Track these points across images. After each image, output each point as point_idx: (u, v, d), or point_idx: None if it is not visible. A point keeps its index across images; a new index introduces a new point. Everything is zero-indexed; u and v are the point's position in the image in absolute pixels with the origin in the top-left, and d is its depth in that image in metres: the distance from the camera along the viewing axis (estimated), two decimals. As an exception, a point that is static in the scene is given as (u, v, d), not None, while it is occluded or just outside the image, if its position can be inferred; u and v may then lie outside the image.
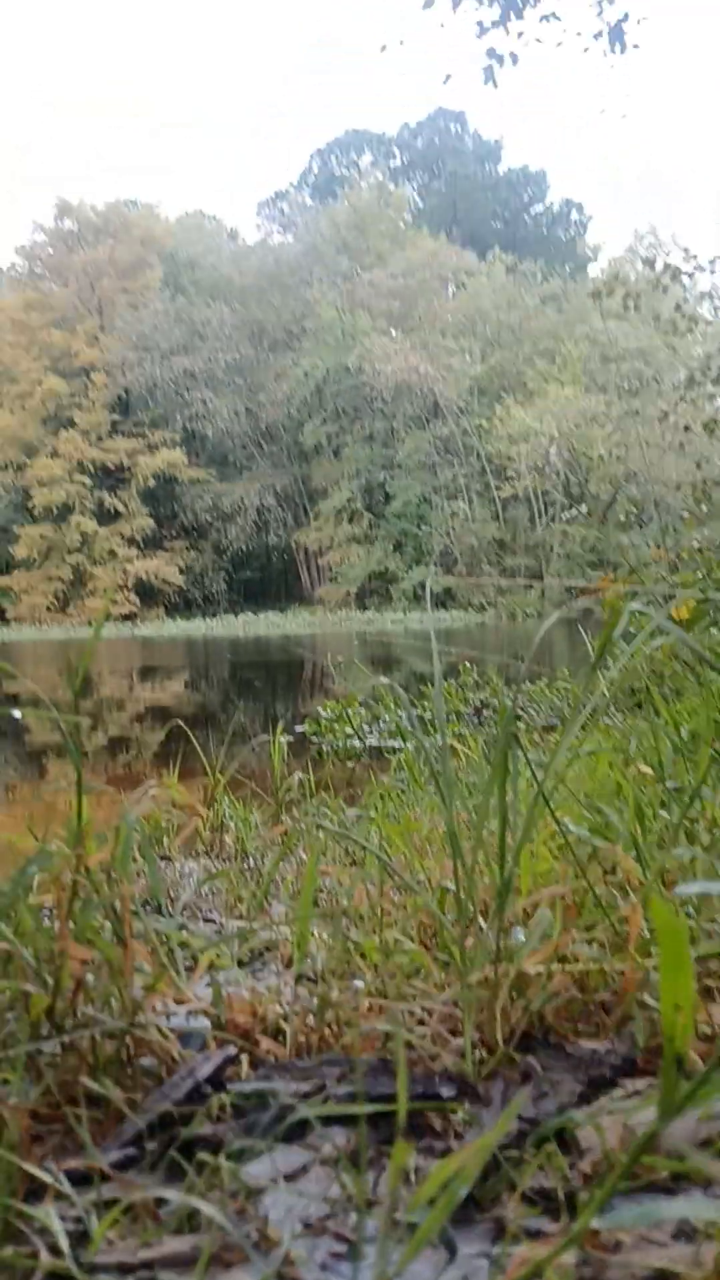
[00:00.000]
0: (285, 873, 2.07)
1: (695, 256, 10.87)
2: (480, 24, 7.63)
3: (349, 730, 6.76)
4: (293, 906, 1.45)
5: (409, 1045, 0.83)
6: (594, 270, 61.99)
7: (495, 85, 7.27)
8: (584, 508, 40.14)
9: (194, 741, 3.46)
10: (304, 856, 2.13)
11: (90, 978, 0.89)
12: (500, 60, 7.68)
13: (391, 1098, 0.69)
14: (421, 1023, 0.87)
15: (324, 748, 6.53)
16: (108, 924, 0.94)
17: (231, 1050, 0.83)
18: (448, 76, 7.38)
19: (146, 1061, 0.87)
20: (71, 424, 52.76)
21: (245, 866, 2.42)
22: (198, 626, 43.58)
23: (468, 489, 45.65)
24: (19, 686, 14.79)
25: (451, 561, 44.66)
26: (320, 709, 7.40)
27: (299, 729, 6.99)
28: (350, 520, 48.50)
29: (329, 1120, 0.72)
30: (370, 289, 49.37)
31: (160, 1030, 0.86)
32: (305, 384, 48.68)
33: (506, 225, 73.17)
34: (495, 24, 7.70)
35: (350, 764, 5.76)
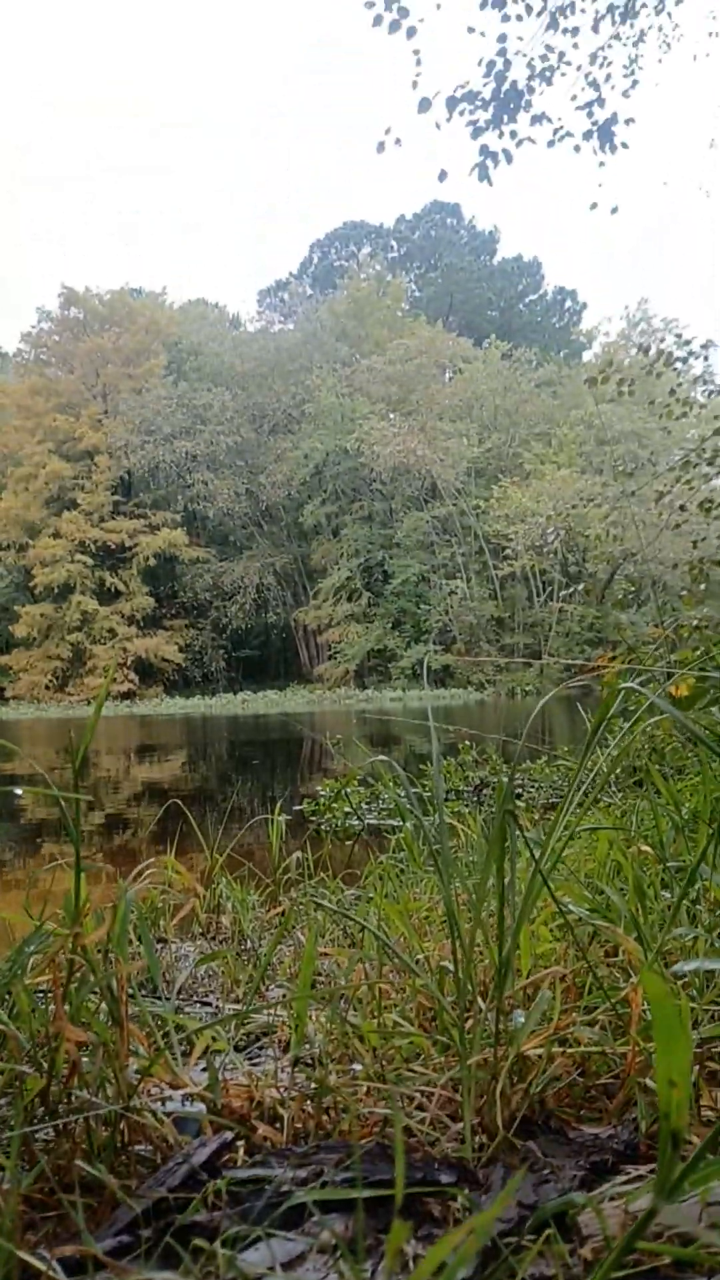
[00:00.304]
0: (283, 955, 2.04)
1: (689, 342, 11.16)
2: (475, 124, 8.03)
3: (347, 809, 6.70)
4: (290, 989, 1.44)
5: (408, 1130, 0.82)
6: (588, 355, 63.94)
7: (490, 183, 7.61)
8: (582, 586, 40.54)
9: (190, 820, 3.44)
10: (302, 938, 2.10)
11: (85, 1060, 0.88)
12: (494, 159, 8.06)
13: (390, 1183, 0.68)
14: (420, 1107, 0.86)
15: (322, 827, 6.47)
16: (103, 1005, 0.93)
17: (227, 1136, 0.82)
18: (443, 174, 7.69)
19: (141, 1147, 0.85)
20: (74, 505, 53.50)
21: (242, 948, 2.38)
22: (197, 704, 43.43)
23: (466, 568, 46.08)
24: (17, 765, 14.67)
25: (450, 639, 44.80)
26: (319, 788, 7.35)
27: (297, 808, 6.93)
28: (349, 599, 48.84)
29: (327, 1207, 0.71)
30: (369, 374, 50.62)
31: (155, 1115, 0.85)
32: (305, 466, 49.56)
33: (502, 313, 75.62)
34: (489, 125, 8.10)
35: (349, 843, 5.70)
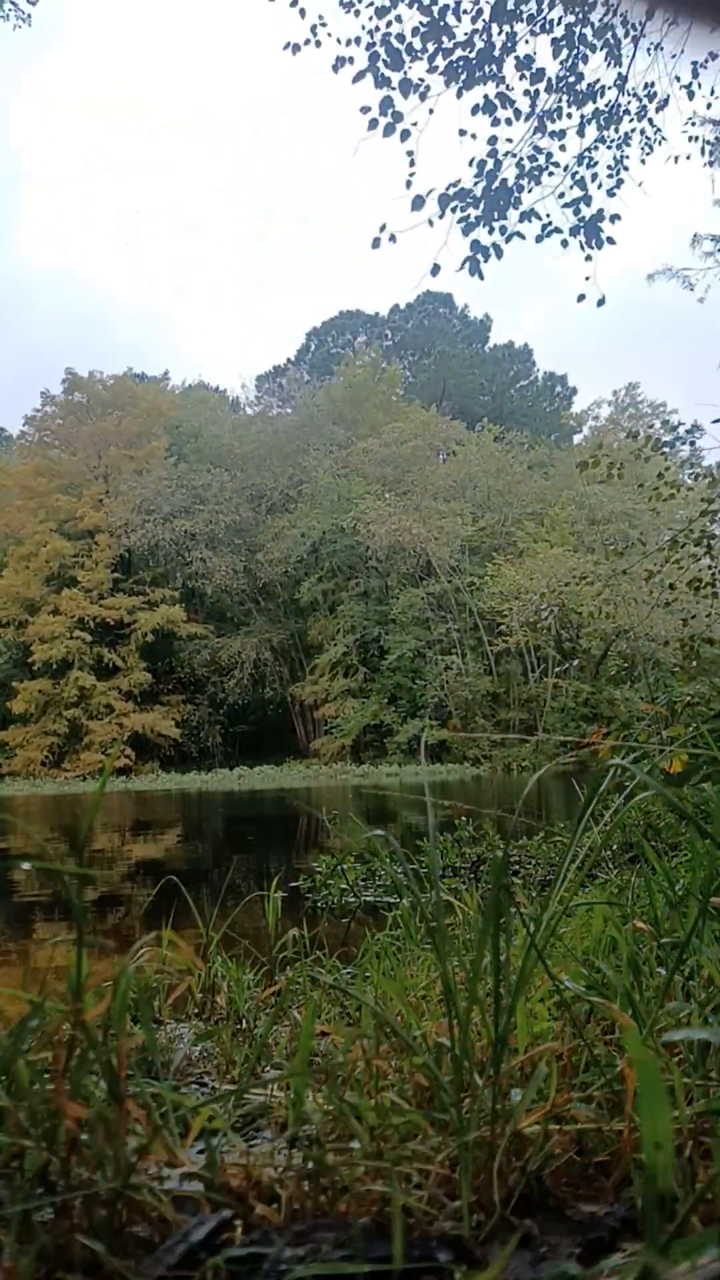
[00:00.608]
0: (279, 1034, 2.02)
1: (676, 427, 11.45)
2: (466, 221, 8.38)
3: (343, 886, 6.62)
4: (287, 1068, 1.43)
5: (405, 1209, 0.82)
6: (578, 438, 65.37)
7: (481, 277, 7.92)
8: (576, 662, 40.64)
9: (186, 897, 3.41)
10: (299, 1017, 2.08)
11: (85, 1137, 0.88)
12: (485, 254, 8.40)
13: (388, 1259, 0.69)
14: (419, 1185, 0.86)
15: (318, 904, 6.39)
16: (100, 1083, 0.94)
17: (226, 1214, 0.82)
18: (436, 268, 7.99)
19: (137, 1227, 0.85)
20: (74, 583, 53.91)
21: (238, 1028, 2.35)
22: (193, 780, 43.07)
23: (461, 644, 46.27)
24: (12, 841, 14.47)
25: (446, 715, 44.71)
26: (314, 864, 7.28)
27: (293, 885, 6.85)
28: (346, 674, 48.90)
29: (325, 1285, 0.72)
30: (365, 456, 51.63)
31: (154, 1193, 0.85)
32: (302, 544, 50.17)
33: (494, 398, 77.56)
34: (478, 221, 8.46)
35: (345, 920, 5.63)
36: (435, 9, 7.44)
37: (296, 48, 8.23)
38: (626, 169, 9.21)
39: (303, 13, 8.04)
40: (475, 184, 7.86)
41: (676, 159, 9.79)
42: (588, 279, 8.83)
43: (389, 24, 7.72)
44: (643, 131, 9.30)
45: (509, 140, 8.61)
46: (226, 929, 2.91)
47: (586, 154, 8.99)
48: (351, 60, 7.92)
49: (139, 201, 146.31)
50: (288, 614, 54.48)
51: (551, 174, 8.84)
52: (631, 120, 9.16)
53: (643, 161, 9.59)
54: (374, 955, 2.87)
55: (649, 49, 8.55)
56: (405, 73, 7.54)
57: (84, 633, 52.11)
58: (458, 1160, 0.89)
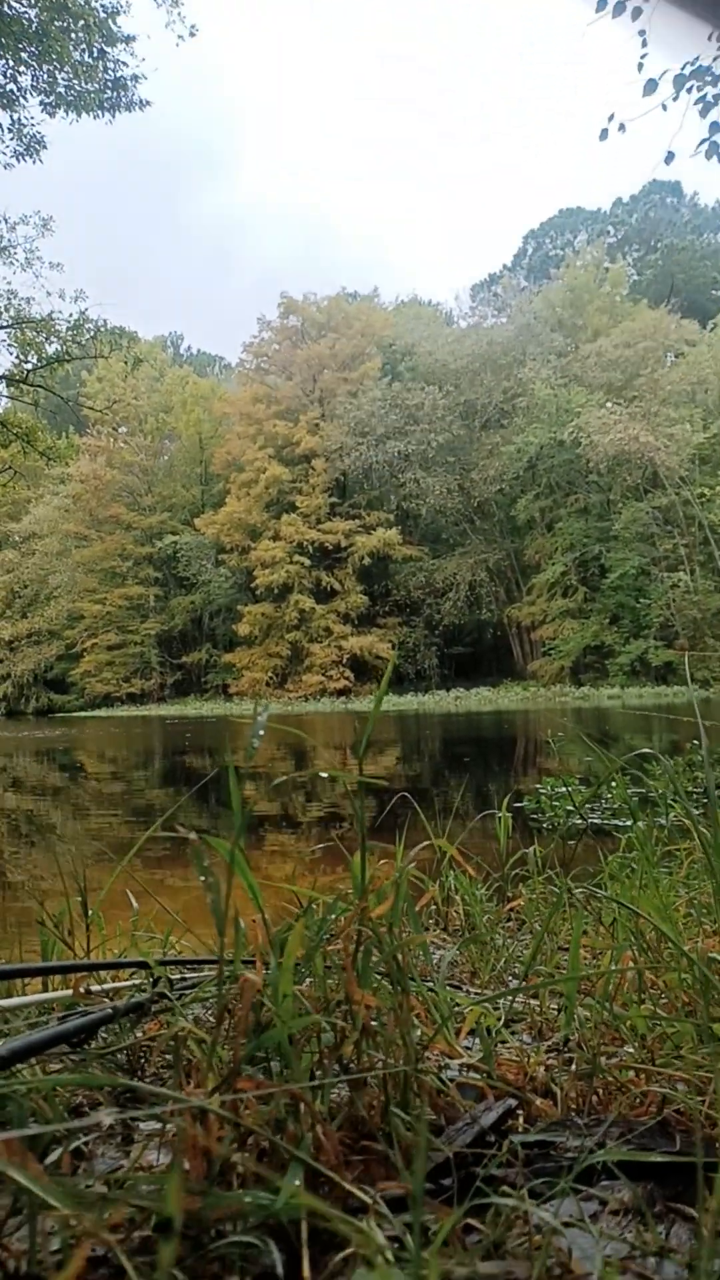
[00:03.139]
0: (514, 948, 2.08)
1: None
2: (704, 100, 7.66)
3: (569, 808, 6.61)
4: (544, 976, 1.48)
5: (687, 1113, 0.84)
6: None
7: (720, 160, 7.26)
8: None
9: (420, 813, 3.53)
10: (536, 930, 2.13)
11: (375, 1024, 0.96)
12: (726, 134, 7.67)
13: (675, 1155, 0.72)
14: (699, 1092, 0.88)
15: (544, 825, 6.42)
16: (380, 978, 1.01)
17: (511, 1103, 0.88)
18: (670, 155, 7.38)
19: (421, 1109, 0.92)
20: (293, 508, 55.76)
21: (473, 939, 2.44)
22: (410, 702, 44.06)
23: (689, 559, 43.90)
24: (235, 759, 15.40)
25: (673, 635, 42.85)
26: (538, 786, 7.29)
27: (518, 804, 6.91)
28: (564, 594, 47.85)
29: (611, 1176, 0.75)
30: (587, 362, 49.36)
31: (440, 1079, 0.92)
32: (518, 460, 48.99)
33: (728, 292, 71.35)
34: (718, 99, 7.71)
35: (571, 843, 5.62)
36: None
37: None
38: None
39: None
40: (715, 60, 7.14)
41: None
42: None
43: None
44: None
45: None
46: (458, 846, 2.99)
47: None
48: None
49: (368, 129, 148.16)
50: (503, 533, 53.74)
51: None
52: None
53: None
54: (608, 877, 2.87)
55: None
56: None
57: (303, 557, 53.99)
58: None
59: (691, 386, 47.14)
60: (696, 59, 7.16)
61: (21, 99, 17.62)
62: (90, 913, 1.81)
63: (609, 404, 45.23)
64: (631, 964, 1.12)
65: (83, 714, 55.12)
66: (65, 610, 59.40)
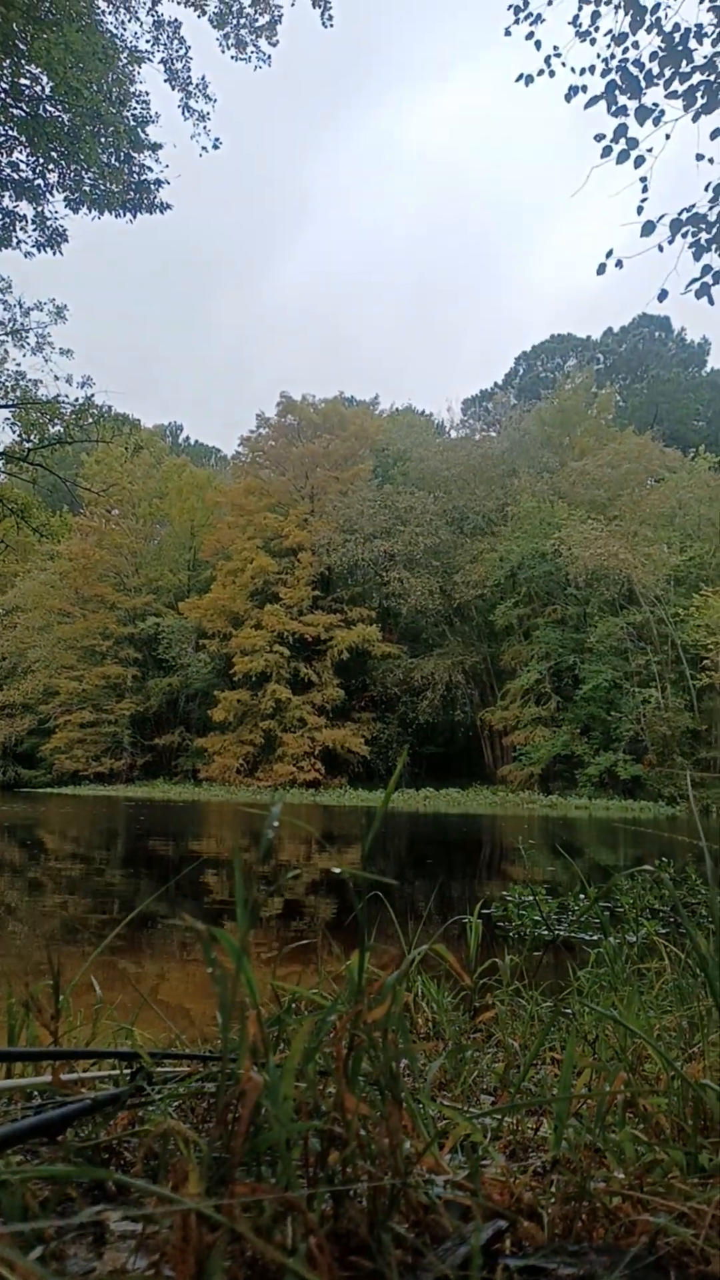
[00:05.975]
0: (482, 1060, 2.04)
1: None
2: (698, 244, 8.13)
3: (536, 918, 6.52)
4: (523, 1090, 1.45)
5: (680, 1245, 0.83)
6: None
7: (711, 302, 7.65)
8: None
9: (391, 913, 3.48)
10: (510, 1043, 2.09)
11: (363, 1133, 0.95)
12: (716, 278, 8.11)
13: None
14: (691, 1224, 0.87)
15: (511, 934, 6.33)
16: (367, 1086, 1.00)
17: (503, 1223, 0.86)
18: (664, 293, 7.80)
19: (404, 1227, 0.91)
20: (276, 598, 56.16)
21: (442, 1049, 2.39)
22: (379, 797, 43.58)
23: (661, 677, 44.39)
24: (204, 846, 15.17)
25: (641, 750, 42.98)
26: (504, 893, 7.20)
27: (485, 911, 6.81)
28: (537, 702, 48.06)
29: (606, 1307, 0.74)
30: (575, 478, 50.78)
31: (428, 1195, 0.90)
32: (500, 568, 49.85)
33: (710, 424, 74.20)
34: (710, 244, 8.19)
35: (538, 954, 5.53)
36: (676, 35, 7.30)
37: (530, 79, 8.30)
38: None
39: (538, 44, 8.11)
40: (711, 208, 7.62)
41: None
42: None
43: (625, 50, 7.65)
44: None
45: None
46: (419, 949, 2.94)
47: None
48: (584, 89, 7.91)
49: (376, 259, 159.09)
50: (481, 637, 54.28)
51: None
52: None
53: None
54: (577, 991, 2.84)
55: None
56: (641, 99, 7.44)
57: (283, 647, 54.13)
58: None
59: (671, 509, 48.53)
60: (693, 206, 7.65)
61: (48, 194, 18.38)
62: (61, 999, 1.77)
63: (591, 520, 46.36)
64: (624, 1086, 1.11)
65: (48, 790, 54.10)
66: (42, 685, 58.87)
